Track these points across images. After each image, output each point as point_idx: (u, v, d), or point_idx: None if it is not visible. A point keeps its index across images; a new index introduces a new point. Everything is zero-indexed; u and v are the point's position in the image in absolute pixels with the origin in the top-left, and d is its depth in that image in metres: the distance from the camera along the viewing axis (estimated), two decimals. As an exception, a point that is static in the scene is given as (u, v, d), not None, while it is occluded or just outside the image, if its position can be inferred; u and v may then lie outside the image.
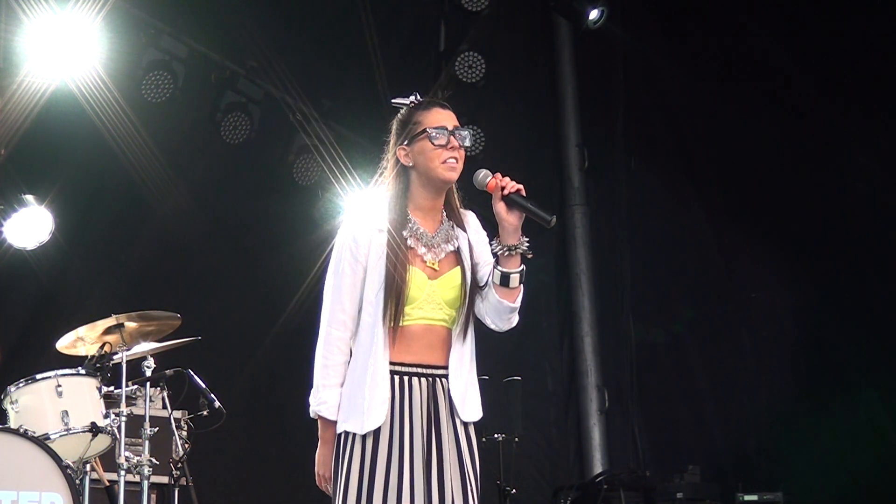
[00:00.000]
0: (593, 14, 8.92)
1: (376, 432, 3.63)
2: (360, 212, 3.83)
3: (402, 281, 3.65)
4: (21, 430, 5.81)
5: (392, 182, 3.79)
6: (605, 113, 9.75)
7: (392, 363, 3.68)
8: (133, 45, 7.69)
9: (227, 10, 8.14)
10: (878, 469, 8.07)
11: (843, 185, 8.54)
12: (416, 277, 3.69)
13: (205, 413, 6.55)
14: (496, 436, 7.65)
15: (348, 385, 3.70)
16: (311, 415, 3.77)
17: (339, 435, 3.69)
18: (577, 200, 9.83)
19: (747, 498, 8.23)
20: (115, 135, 7.42)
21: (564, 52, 9.88)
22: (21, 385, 6.13)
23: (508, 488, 7.46)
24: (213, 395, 6.50)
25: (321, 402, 3.71)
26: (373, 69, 8.53)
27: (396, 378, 3.68)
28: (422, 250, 3.73)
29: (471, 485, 3.68)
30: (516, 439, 7.70)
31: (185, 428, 6.73)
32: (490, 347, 10.20)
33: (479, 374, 3.86)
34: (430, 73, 9.20)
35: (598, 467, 9.38)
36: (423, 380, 3.70)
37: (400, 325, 3.67)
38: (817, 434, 8.34)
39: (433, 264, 3.74)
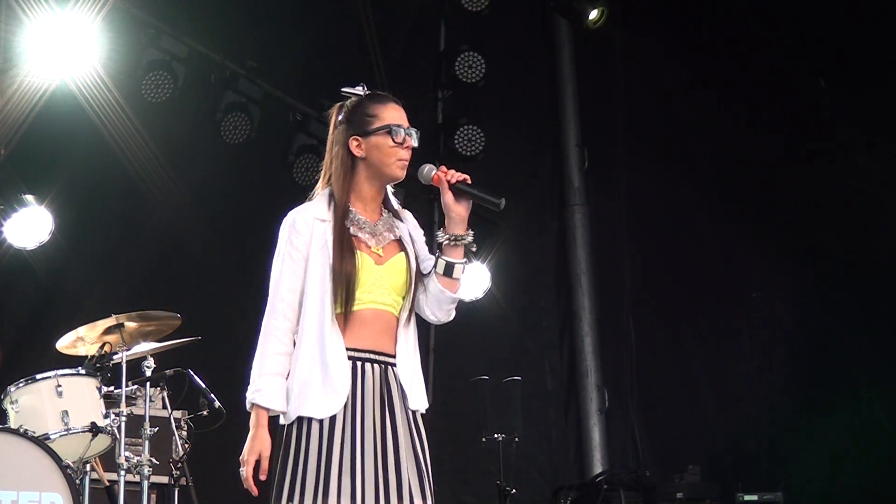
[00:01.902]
0: (593, 14, 8.92)
1: (332, 418, 3.62)
2: (304, 203, 3.83)
3: (350, 265, 3.66)
4: (21, 430, 5.81)
5: (338, 172, 3.79)
6: (605, 113, 9.75)
7: (348, 349, 3.67)
8: (133, 45, 7.70)
9: (227, 10, 8.14)
10: (878, 469, 8.08)
11: (843, 186, 8.54)
12: (364, 261, 3.70)
13: (205, 413, 6.54)
14: (496, 436, 7.65)
15: (301, 372, 3.66)
16: (247, 406, 3.72)
17: (293, 422, 3.65)
18: (577, 200, 9.83)
19: (747, 498, 8.23)
20: (115, 135, 7.43)
21: (564, 52, 9.87)
22: (21, 385, 6.12)
23: (508, 488, 7.46)
24: (213, 395, 6.49)
25: (256, 390, 3.68)
26: (373, 69, 8.53)
27: (350, 363, 3.67)
28: (365, 237, 3.75)
29: (427, 472, 3.68)
30: (516, 439, 7.70)
31: (185, 428, 6.72)
32: (490, 347, 10.23)
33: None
34: (430, 73, 9.20)
35: (598, 467, 9.38)
36: (376, 366, 3.70)
37: (352, 309, 3.67)
38: (817, 434, 8.35)
39: (378, 250, 3.75)
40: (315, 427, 3.63)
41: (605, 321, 9.70)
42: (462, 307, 9.50)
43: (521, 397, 7.96)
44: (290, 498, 3.60)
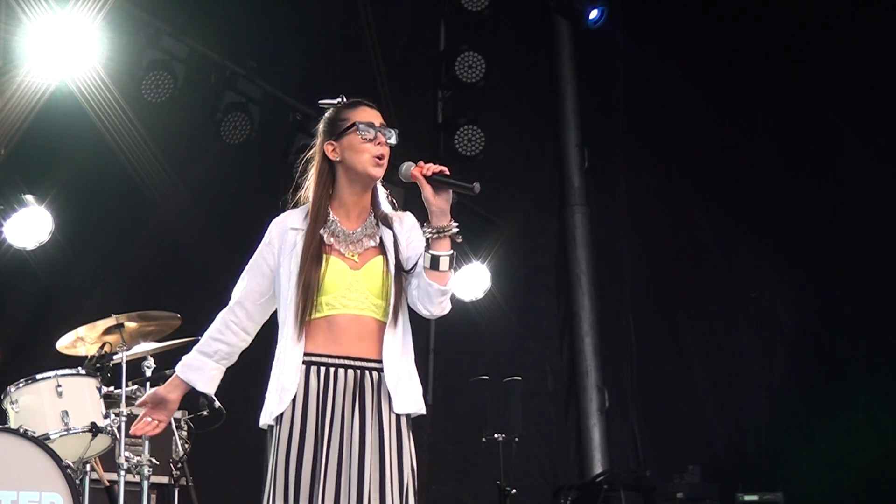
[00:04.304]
0: (593, 14, 8.93)
1: (303, 423, 3.66)
2: (289, 210, 3.91)
3: (313, 273, 3.71)
4: (21, 430, 5.81)
5: (316, 179, 3.85)
6: (605, 113, 9.75)
7: (318, 354, 3.71)
8: (133, 45, 7.69)
9: (227, 10, 8.14)
10: (877, 469, 8.08)
11: (843, 185, 8.55)
12: (332, 267, 3.74)
13: (205, 413, 6.54)
14: (496, 436, 7.65)
15: (270, 380, 3.77)
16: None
17: (267, 428, 3.77)
18: (577, 200, 9.83)
19: (747, 498, 8.23)
20: (115, 135, 7.42)
21: (564, 52, 9.88)
22: (21, 385, 6.13)
23: (508, 488, 7.46)
24: (213, 396, 6.49)
25: (182, 360, 3.91)
26: (373, 69, 8.53)
27: (322, 369, 3.71)
28: (339, 244, 3.79)
29: (389, 481, 3.68)
30: (516, 439, 7.70)
31: (185, 428, 6.72)
32: (490, 347, 10.20)
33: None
34: (430, 73, 9.20)
35: (598, 467, 9.38)
36: (349, 371, 3.72)
37: (323, 315, 3.71)
38: (817, 434, 8.35)
39: (353, 256, 3.78)
40: (284, 431, 3.68)
41: (605, 321, 9.71)
42: (462, 307, 9.49)
43: (521, 397, 7.96)
44: (268, 499, 3.68)
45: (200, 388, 3.88)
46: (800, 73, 8.68)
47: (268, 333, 3.92)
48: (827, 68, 8.53)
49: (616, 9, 9.02)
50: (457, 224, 3.73)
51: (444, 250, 3.72)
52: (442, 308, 3.81)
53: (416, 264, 3.79)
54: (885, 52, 8.31)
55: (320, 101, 3.93)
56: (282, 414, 3.68)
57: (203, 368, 3.87)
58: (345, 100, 3.91)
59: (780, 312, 8.93)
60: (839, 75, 8.50)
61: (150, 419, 3.93)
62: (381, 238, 3.84)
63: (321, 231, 3.77)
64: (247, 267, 3.89)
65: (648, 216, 9.55)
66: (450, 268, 3.74)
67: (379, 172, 3.81)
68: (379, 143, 3.80)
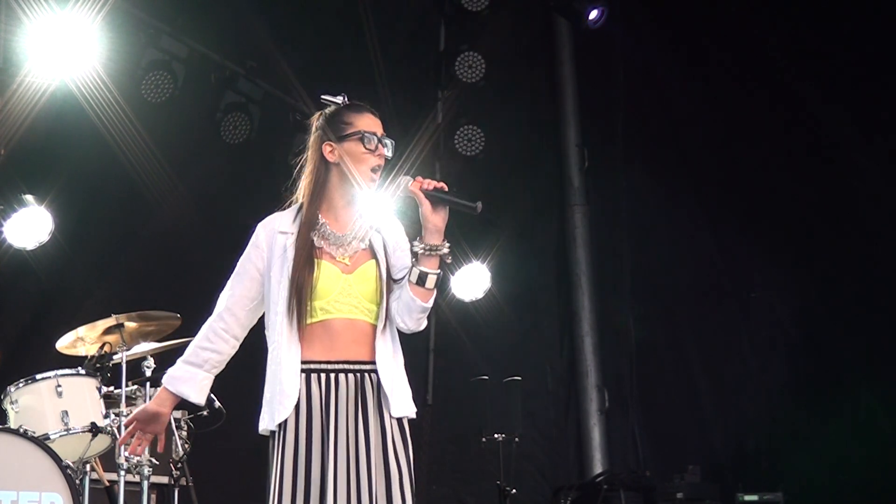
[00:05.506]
0: (593, 14, 8.92)
1: (308, 430, 3.65)
2: (276, 213, 3.90)
3: (305, 277, 3.68)
4: (21, 430, 5.81)
5: (310, 178, 3.84)
6: (605, 113, 9.75)
7: (317, 361, 3.70)
8: (133, 45, 7.70)
9: (227, 10, 8.14)
10: (877, 469, 8.08)
11: (843, 185, 8.55)
12: (325, 271, 3.72)
13: (205, 413, 6.55)
14: (496, 436, 7.65)
15: (265, 388, 3.75)
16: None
17: (268, 437, 3.75)
18: (577, 200, 9.83)
19: (747, 498, 8.23)
20: (115, 135, 7.42)
21: (564, 52, 9.88)
22: (21, 385, 6.13)
23: (508, 488, 7.47)
24: (212, 396, 6.50)
25: (168, 372, 3.86)
26: (373, 69, 8.53)
27: (323, 376, 3.70)
28: (330, 248, 3.77)
29: (396, 482, 3.68)
30: (516, 439, 7.71)
31: (185, 428, 6.72)
32: (490, 348, 10.19)
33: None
34: (430, 73, 9.19)
35: (598, 467, 9.38)
36: (349, 376, 3.72)
37: (318, 319, 3.70)
38: (817, 434, 8.35)
39: (344, 259, 3.77)
40: (290, 438, 3.67)
41: (605, 321, 9.70)
42: (462, 307, 9.48)
43: (521, 397, 7.96)
44: None
45: (192, 399, 3.82)
46: (801, 72, 8.68)
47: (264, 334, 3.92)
48: (829, 68, 8.53)
49: (616, 8, 9.01)
50: (448, 244, 3.71)
51: (432, 268, 3.71)
52: (419, 324, 3.81)
53: (403, 279, 3.76)
54: (887, 52, 8.31)
55: (322, 97, 3.90)
56: (285, 420, 3.67)
57: (193, 379, 3.82)
58: (347, 99, 3.88)
59: (780, 312, 8.93)
60: (841, 74, 8.50)
61: (141, 433, 3.88)
62: (370, 241, 3.82)
63: (311, 234, 3.76)
64: (234, 273, 3.85)
65: (648, 216, 9.54)
66: (435, 286, 3.72)
67: (373, 186, 3.80)
68: (379, 154, 3.79)
